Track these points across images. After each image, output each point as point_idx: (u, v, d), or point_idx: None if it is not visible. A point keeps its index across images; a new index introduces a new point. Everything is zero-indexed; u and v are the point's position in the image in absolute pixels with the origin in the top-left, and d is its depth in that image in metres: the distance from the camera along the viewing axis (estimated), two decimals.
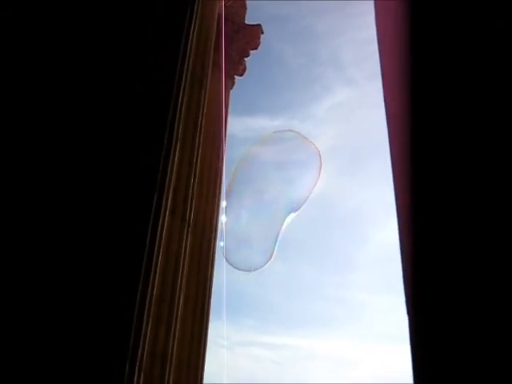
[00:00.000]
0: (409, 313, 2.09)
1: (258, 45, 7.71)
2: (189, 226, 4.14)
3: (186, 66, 3.97)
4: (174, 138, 3.65)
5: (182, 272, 3.96)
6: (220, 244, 4.01)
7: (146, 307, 3.08)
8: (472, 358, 1.78)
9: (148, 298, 3.10)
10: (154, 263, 3.19)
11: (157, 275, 3.26)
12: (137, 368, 2.95)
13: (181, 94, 3.83)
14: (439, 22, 2.41)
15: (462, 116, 2.18)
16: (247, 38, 7.42)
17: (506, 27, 2.29)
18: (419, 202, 2.19)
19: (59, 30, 3.79)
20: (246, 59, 7.62)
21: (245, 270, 3.92)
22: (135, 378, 2.93)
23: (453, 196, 2.06)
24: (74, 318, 2.95)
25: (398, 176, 2.48)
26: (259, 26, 7.69)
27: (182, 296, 3.97)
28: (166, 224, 3.44)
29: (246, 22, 7.73)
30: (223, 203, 3.97)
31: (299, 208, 3.76)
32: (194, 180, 4.38)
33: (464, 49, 2.30)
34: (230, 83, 7.30)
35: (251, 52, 7.71)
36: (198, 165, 4.56)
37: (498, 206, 1.97)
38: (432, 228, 2.08)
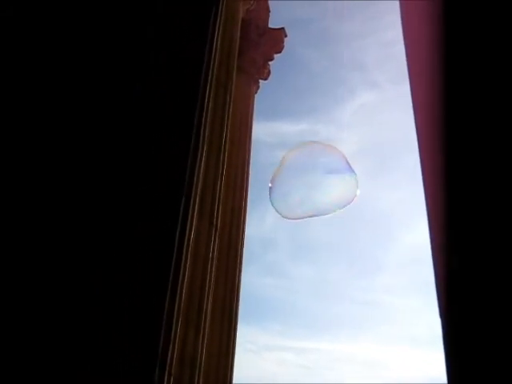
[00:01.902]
0: (441, 315, 2.06)
1: (282, 48, 7.71)
2: (216, 229, 4.14)
3: (210, 71, 3.97)
4: (201, 142, 3.66)
5: (210, 276, 3.96)
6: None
7: (175, 311, 3.08)
8: (510, 361, 1.74)
9: (177, 302, 3.11)
10: (182, 267, 3.20)
11: (185, 279, 3.26)
12: (166, 372, 2.95)
13: (206, 99, 3.84)
14: (471, 20, 2.37)
15: (496, 118, 2.14)
16: (271, 41, 7.43)
17: None
18: (451, 202, 2.15)
19: (68, 30, 3.81)
20: (270, 63, 7.63)
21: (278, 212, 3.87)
22: (165, 383, 2.93)
23: (487, 195, 2.02)
24: (105, 322, 2.97)
25: (427, 177, 2.44)
26: (283, 29, 7.70)
27: (210, 300, 3.97)
28: (193, 228, 3.45)
29: (270, 25, 7.74)
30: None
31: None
32: (220, 184, 4.39)
33: (499, 49, 2.26)
34: (255, 87, 7.31)
35: (275, 56, 7.72)
36: (225, 169, 4.57)
37: None
38: (465, 227, 2.04)
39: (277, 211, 3.78)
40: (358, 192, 3.64)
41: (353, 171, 3.64)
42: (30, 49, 3.74)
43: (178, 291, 3.14)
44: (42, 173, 3.35)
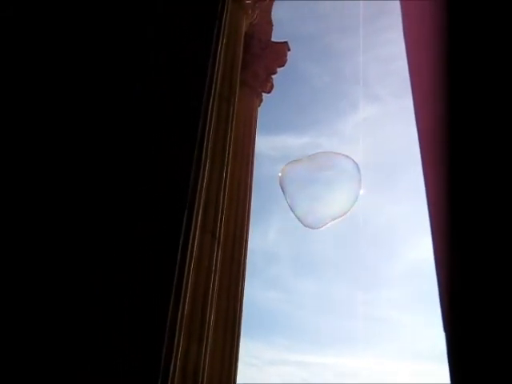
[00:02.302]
0: (446, 329, 2.05)
1: (285, 62, 7.74)
2: (219, 242, 4.15)
3: (214, 84, 4.00)
4: (204, 154, 3.67)
5: (213, 288, 3.95)
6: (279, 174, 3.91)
7: (178, 323, 3.08)
8: None
9: (179, 314, 3.10)
10: (185, 279, 3.20)
11: (188, 291, 3.26)
12: None
13: (209, 112, 3.86)
14: (475, 30, 2.38)
15: (500, 130, 2.14)
16: (274, 55, 7.46)
17: None
18: (454, 215, 2.15)
19: (68, 30, 3.82)
20: (273, 76, 7.66)
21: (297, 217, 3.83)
22: None
23: (491, 209, 2.02)
24: (106, 334, 2.96)
25: (431, 190, 2.44)
26: (286, 43, 7.73)
27: (213, 312, 3.96)
28: (196, 240, 3.46)
29: (272, 39, 7.79)
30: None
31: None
32: (223, 196, 4.40)
33: (503, 60, 2.27)
34: (258, 100, 7.34)
35: (278, 69, 7.76)
36: (228, 181, 4.58)
37: None
38: (468, 241, 2.04)
39: (303, 223, 3.75)
40: (362, 192, 3.62)
41: (357, 167, 3.61)
42: (29, 49, 3.75)
43: (181, 303, 3.13)
44: (42, 173, 3.35)
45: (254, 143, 6.82)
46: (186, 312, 3.21)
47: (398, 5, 3.19)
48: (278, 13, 8.04)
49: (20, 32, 3.79)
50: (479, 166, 2.15)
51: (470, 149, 2.21)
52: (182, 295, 3.15)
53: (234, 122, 4.93)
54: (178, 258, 3.18)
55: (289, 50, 7.74)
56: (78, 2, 3.96)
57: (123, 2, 4.00)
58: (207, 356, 3.82)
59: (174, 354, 3.01)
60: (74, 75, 3.69)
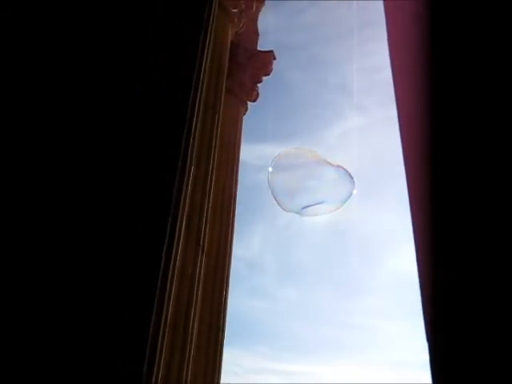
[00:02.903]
0: (428, 339, 2.05)
1: (271, 71, 7.78)
2: (203, 250, 4.13)
3: (199, 92, 4.00)
4: (188, 163, 3.66)
5: (197, 297, 3.93)
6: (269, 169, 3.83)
7: (161, 332, 3.05)
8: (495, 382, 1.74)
9: (162, 322, 3.07)
10: (168, 288, 3.17)
11: (171, 301, 3.23)
12: None
13: (194, 120, 3.85)
14: (459, 41, 2.41)
15: (485, 143, 2.16)
16: (260, 64, 7.49)
17: None
18: (437, 225, 2.16)
19: (68, 30, 3.81)
20: (258, 85, 7.69)
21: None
22: None
23: (474, 220, 2.03)
24: (88, 346, 2.92)
25: (414, 201, 2.46)
26: (271, 52, 7.77)
27: (196, 322, 3.93)
28: (180, 248, 3.44)
29: (258, 48, 7.82)
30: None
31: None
32: (208, 204, 4.39)
33: (489, 74, 2.29)
34: (243, 109, 7.35)
35: (264, 78, 7.78)
36: (213, 189, 4.57)
37: None
38: (451, 251, 2.05)
39: (281, 205, 3.70)
40: (355, 191, 3.61)
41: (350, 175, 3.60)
42: (29, 49, 3.73)
43: (164, 313, 3.11)
44: (41, 173, 3.33)
45: (239, 151, 6.83)
46: (169, 320, 3.18)
47: (383, 16, 3.22)
48: (264, 22, 8.08)
49: (20, 32, 3.77)
50: (463, 177, 2.16)
51: (454, 159, 2.22)
52: (165, 304, 3.12)
53: (219, 130, 4.93)
54: (162, 266, 3.16)
55: (274, 58, 7.77)
56: (78, 2, 3.95)
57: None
58: (190, 367, 3.79)
59: (157, 364, 2.98)
60: (73, 75, 3.67)
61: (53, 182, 3.31)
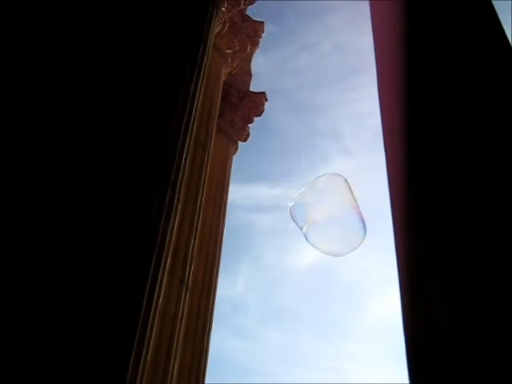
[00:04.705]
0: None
1: (262, 112, 7.87)
2: (187, 288, 4.08)
3: (190, 129, 4.02)
4: (176, 199, 3.65)
5: (179, 335, 3.86)
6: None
7: (139, 372, 2.98)
8: None
9: (142, 362, 3.01)
10: (149, 325, 3.12)
11: (152, 338, 3.17)
12: None
13: (183, 157, 3.86)
14: (448, 86, 2.45)
15: (472, 188, 2.18)
16: (252, 104, 7.58)
17: None
18: (422, 270, 2.16)
19: (68, 30, 3.82)
20: (249, 125, 7.77)
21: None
22: None
23: (459, 262, 2.04)
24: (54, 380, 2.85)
25: (400, 247, 2.46)
26: (263, 93, 7.88)
27: (177, 361, 3.86)
28: (163, 285, 3.39)
29: (251, 89, 7.93)
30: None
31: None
32: (193, 243, 4.36)
33: (469, 114, 2.33)
34: (233, 148, 7.40)
35: (255, 119, 7.87)
36: (199, 227, 4.55)
37: (504, 256, 1.94)
38: (435, 296, 2.04)
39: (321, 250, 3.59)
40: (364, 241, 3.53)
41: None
42: (29, 48, 3.74)
43: (144, 351, 3.04)
44: (39, 172, 3.30)
45: (227, 190, 6.84)
46: (148, 361, 3.12)
47: (373, 63, 3.29)
48: (257, 64, 8.23)
49: (20, 32, 3.80)
50: (449, 223, 2.17)
51: (440, 202, 2.24)
52: (146, 343, 3.06)
53: (208, 168, 4.95)
54: (144, 303, 3.11)
55: (266, 100, 7.88)
56: (78, 2, 3.99)
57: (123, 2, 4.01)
58: None
59: None
60: (72, 75, 3.68)
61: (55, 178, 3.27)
